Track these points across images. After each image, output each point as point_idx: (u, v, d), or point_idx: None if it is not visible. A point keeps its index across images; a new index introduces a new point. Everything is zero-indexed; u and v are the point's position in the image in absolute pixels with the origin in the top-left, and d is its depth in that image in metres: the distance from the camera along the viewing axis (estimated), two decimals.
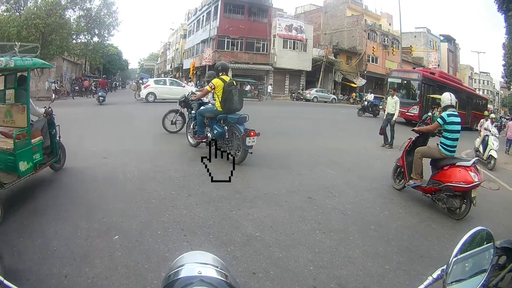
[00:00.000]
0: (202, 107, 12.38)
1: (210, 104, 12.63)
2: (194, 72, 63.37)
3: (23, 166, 7.22)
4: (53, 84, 41.31)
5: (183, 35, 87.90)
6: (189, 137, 13.27)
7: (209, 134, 11.71)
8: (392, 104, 18.02)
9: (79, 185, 8.32)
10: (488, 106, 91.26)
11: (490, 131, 17.61)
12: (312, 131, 22.17)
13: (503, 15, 29.44)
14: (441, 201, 8.71)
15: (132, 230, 5.97)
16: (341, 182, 10.42)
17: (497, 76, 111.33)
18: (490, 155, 16.41)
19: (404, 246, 6.59)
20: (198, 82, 60.96)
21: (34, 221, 6.24)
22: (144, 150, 12.25)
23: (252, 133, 10.54)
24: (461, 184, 8.20)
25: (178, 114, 15.27)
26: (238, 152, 10.98)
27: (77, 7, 50.77)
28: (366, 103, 36.72)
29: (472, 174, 8.20)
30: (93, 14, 52.60)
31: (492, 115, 20.84)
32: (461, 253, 1.64)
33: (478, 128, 20.18)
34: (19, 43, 8.00)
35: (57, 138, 9.09)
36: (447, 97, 9.19)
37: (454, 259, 1.61)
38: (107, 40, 60.90)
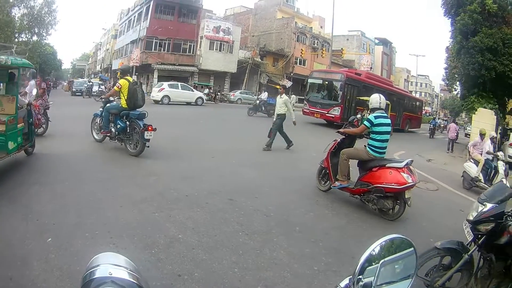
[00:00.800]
0: (108, 104, 13.49)
1: (115, 102, 13.75)
2: None
3: (11, 145, 9.25)
4: None
5: (114, 35, 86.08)
6: (94, 133, 14.21)
7: (113, 129, 12.87)
8: (280, 104, 16.52)
9: (12, 186, 8.25)
10: (427, 108, 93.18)
11: (497, 155, 15.31)
12: (234, 132, 22.37)
13: (450, 19, 30.09)
14: (371, 202, 8.83)
15: (63, 232, 6.03)
16: (263, 183, 10.57)
17: (437, 79, 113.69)
18: None
19: (332, 247, 6.71)
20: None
21: None
22: (72, 151, 12.26)
23: (150, 128, 11.90)
24: (393, 185, 8.31)
25: None
26: (138, 145, 12.32)
27: (22, 4, 50.06)
28: (258, 101, 36.04)
29: (404, 175, 8.30)
30: (35, 12, 51.76)
31: (493, 134, 17.40)
32: (381, 258, 1.81)
33: (470, 149, 17.75)
34: (15, 45, 9.75)
35: (33, 126, 11.21)
36: (375, 99, 9.17)
37: (368, 268, 1.78)
38: (45, 39, 59.99)
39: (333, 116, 29.14)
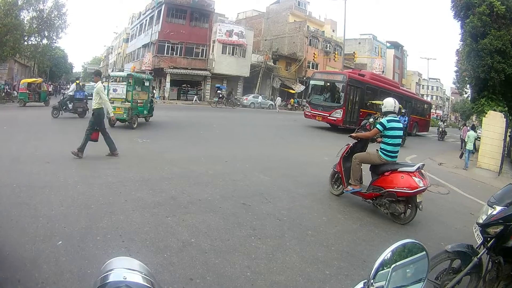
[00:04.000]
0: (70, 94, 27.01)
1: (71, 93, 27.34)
2: None
3: (145, 111, 23.29)
4: (5, 86, 40.44)
5: (125, 39, 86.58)
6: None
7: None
8: (94, 96, 12.89)
9: (22, 190, 8.25)
10: (438, 111, 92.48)
11: None
12: (247, 137, 22.49)
13: (459, 22, 29.84)
14: (383, 206, 8.81)
15: (74, 235, 6.03)
16: (275, 188, 10.49)
17: (448, 82, 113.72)
18: None
19: (345, 252, 6.67)
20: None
21: None
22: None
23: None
24: (405, 189, 8.28)
25: None
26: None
27: (31, 8, 50.40)
28: (63, 97, 27.30)
29: (416, 179, 8.27)
30: (44, 16, 52.03)
31: None
32: (392, 263, 1.81)
33: None
34: (147, 70, 37.02)
35: (153, 106, 25.38)
36: (390, 103, 9.19)
37: (380, 272, 1.76)
38: (55, 42, 60.12)
39: (335, 119, 28.53)
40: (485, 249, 5.02)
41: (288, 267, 5.78)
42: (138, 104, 22.43)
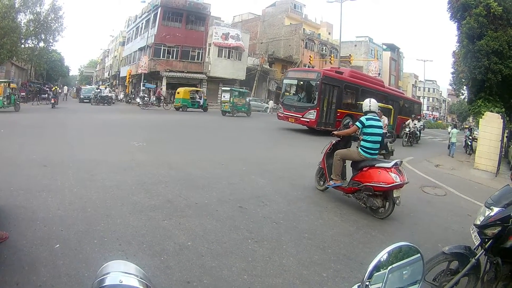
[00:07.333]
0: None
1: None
2: (130, 80, 62.87)
3: (243, 109, 44.07)
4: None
5: (122, 42, 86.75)
6: None
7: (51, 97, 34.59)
8: None
9: (19, 193, 8.19)
10: (435, 113, 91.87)
11: None
12: (244, 140, 22.49)
13: (456, 23, 29.70)
14: (361, 200, 9.20)
15: (71, 238, 6.01)
16: (272, 191, 10.49)
17: (444, 84, 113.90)
18: None
19: (341, 254, 6.66)
20: (133, 90, 62.52)
21: None
22: (81, 159, 12.27)
23: (53, 99, 35.02)
24: (381, 184, 8.64)
25: None
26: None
27: (28, 10, 50.57)
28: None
29: (392, 175, 8.60)
30: (41, 19, 52.19)
31: None
32: (389, 265, 1.85)
33: None
34: (241, 86, 40.03)
35: (250, 108, 45.93)
36: (366, 103, 9.68)
37: (376, 274, 1.81)
38: (52, 45, 60.27)
39: (308, 120, 26.83)
40: (483, 250, 5.03)
41: (285, 270, 5.78)
42: (238, 105, 43.00)
